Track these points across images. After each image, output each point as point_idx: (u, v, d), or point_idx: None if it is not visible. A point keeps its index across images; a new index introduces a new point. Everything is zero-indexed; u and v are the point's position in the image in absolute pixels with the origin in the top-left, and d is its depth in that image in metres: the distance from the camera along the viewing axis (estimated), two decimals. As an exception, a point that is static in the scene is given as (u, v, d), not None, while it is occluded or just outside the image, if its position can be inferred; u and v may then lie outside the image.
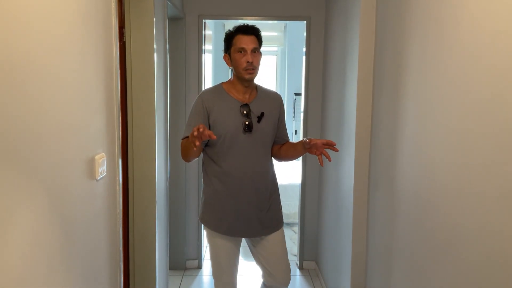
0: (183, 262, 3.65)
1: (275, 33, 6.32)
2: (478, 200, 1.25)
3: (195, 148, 1.79)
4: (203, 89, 3.55)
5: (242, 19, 3.52)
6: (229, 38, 2.09)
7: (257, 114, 2.11)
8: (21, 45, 0.97)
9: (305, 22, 3.47)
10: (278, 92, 2.47)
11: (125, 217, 2.39)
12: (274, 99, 2.23)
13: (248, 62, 2.03)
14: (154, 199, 2.45)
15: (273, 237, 2.20)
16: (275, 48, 6.90)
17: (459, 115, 1.37)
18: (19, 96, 0.96)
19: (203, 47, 3.52)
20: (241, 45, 2.04)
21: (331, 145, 1.92)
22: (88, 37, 1.42)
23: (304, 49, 3.53)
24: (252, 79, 2.10)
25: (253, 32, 2.08)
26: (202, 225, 2.22)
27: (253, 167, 2.12)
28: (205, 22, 3.53)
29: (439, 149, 1.51)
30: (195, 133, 1.74)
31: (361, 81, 2.36)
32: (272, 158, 2.27)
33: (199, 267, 3.71)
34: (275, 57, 7.10)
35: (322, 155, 1.95)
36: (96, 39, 1.50)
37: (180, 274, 3.59)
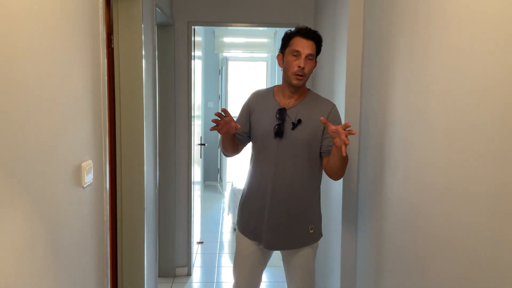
0: (172, 269, 3.63)
1: (265, 40, 6.36)
2: (467, 204, 1.26)
3: (221, 132, 1.91)
4: (192, 96, 3.55)
5: (231, 26, 3.53)
6: (287, 38, 1.98)
7: (293, 121, 1.97)
8: (5, 51, 0.97)
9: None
10: None
11: (114, 225, 2.37)
12: (323, 107, 2.01)
13: (299, 67, 1.90)
14: (142, 206, 2.44)
15: (292, 254, 2.10)
16: (265, 55, 6.93)
17: (446, 119, 1.39)
18: (3, 103, 0.95)
19: (193, 53, 3.52)
20: (296, 48, 1.92)
21: (347, 127, 1.71)
22: (75, 44, 1.41)
23: (293, 56, 3.54)
24: (299, 86, 1.97)
25: (313, 37, 1.95)
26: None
27: (280, 177, 1.98)
28: (194, 29, 3.53)
29: (427, 153, 1.52)
30: (218, 120, 1.87)
31: (349, 86, 2.38)
32: (319, 176, 2.08)
33: (188, 274, 3.69)
34: (265, 63, 7.14)
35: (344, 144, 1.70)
36: (83, 45, 1.49)
37: (170, 282, 3.56)
